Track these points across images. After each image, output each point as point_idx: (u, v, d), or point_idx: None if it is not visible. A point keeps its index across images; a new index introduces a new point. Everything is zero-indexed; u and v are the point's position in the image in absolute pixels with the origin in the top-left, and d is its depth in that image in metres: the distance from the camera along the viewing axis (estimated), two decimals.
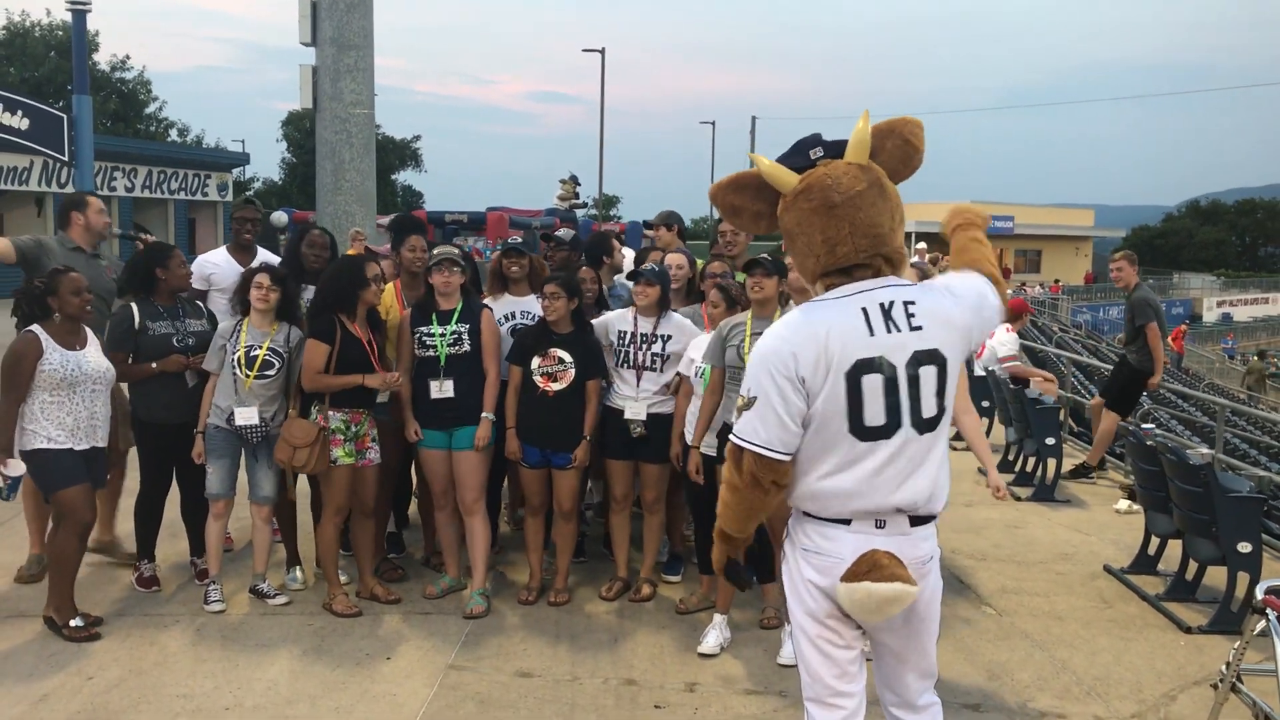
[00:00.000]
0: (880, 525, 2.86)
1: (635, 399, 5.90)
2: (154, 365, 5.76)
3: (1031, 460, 9.16)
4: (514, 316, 6.27)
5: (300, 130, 61.24)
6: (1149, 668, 5.27)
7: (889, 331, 2.78)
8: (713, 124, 54.39)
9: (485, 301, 6.17)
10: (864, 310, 2.80)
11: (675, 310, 6.11)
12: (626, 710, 4.69)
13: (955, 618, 5.78)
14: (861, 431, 2.80)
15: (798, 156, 2.92)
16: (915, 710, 3.08)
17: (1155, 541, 6.70)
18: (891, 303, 2.81)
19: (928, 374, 2.82)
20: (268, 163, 72.05)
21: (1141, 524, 7.48)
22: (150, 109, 52.01)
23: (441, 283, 5.78)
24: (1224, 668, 3.95)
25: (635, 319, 5.95)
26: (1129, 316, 9.10)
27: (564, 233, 6.88)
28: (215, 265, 6.89)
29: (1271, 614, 3.62)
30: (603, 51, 40.53)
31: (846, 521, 2.88)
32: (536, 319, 6.11)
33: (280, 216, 40.04)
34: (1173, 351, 32.52)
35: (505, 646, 5.36)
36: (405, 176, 63.77)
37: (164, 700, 4.68)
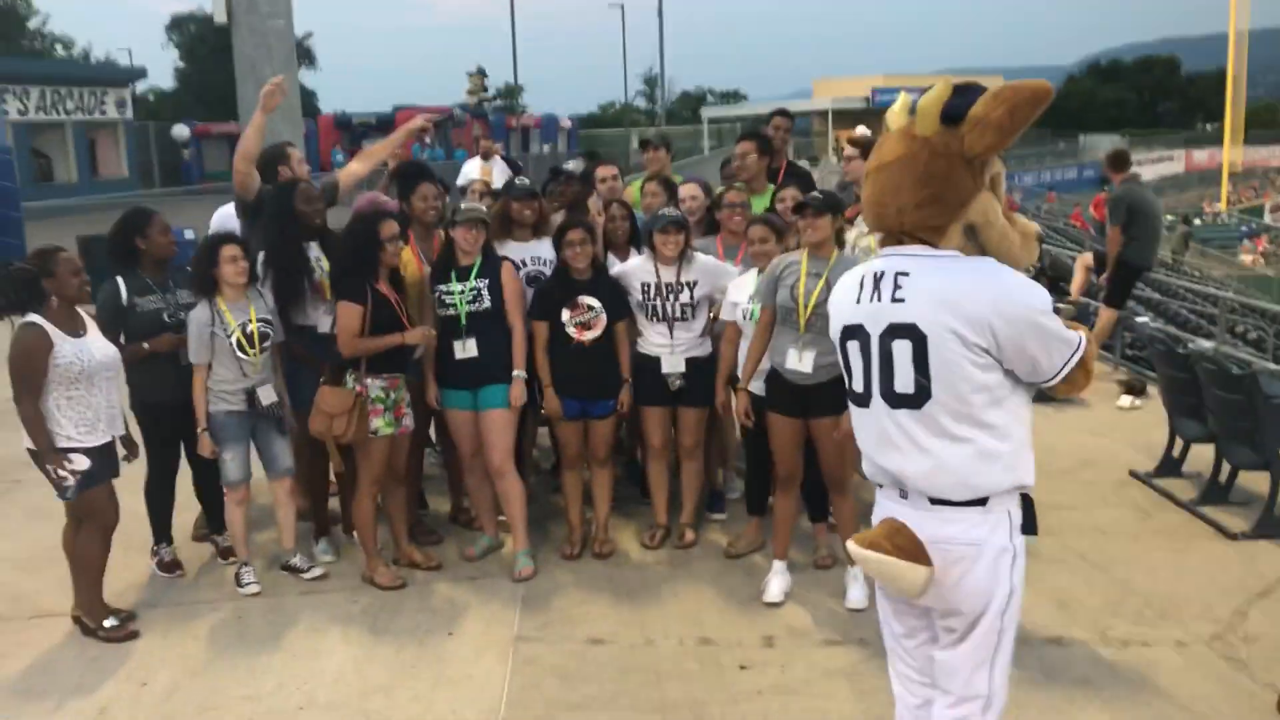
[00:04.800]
0: (903, 496, 2.83)
1: (671, 351, 5.68)
2: (145, 345, 5.39)
3: None
4: (525, 265, 5.96)
5: (188, 36, 58.48)
6: (1210, 583, 5.32)
7: (870, 300, 2.79)
8: (621, 6, 53.19)
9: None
10: (862, 277, 2.83)
11: (699, 252, 5.84)
12: (713, 674, 4.58)
13: None
14: (852, 395, 2.92)
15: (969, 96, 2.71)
16: None
17: (1178, 444, 6.75)
18: (883, 273, 2.77)
19: (901, 348, 2.72)
20: (158, 72, 68.74)
21: (1148, 420, 7.59)
22: (32, 23, 49.09)
23: (464, 239, 5.47)
24: None
25: (656, 268, 5.69)
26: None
27: (574, 165, 6.52)
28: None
29: None
30: None
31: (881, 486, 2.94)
32: (550, 264, 5.83)
33: (181, 130, 38.45)
34: (1094, 220, 32.97)
35: (566, 610, 5.20)
36: (299, 76, 61.55)
37: (230, 704, 4.45)
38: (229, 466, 5.40)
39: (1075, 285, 10.39)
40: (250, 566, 5.52)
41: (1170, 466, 6.74)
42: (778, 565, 5.34)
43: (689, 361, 5.68)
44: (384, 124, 36.08)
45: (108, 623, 5.03)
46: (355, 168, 6.33)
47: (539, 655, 4.78)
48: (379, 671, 4.68)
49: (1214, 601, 5.10)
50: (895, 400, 2.76)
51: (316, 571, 5.62)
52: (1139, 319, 8.69)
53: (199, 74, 55.87)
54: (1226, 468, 6.28)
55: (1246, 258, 38.15)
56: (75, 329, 4.89)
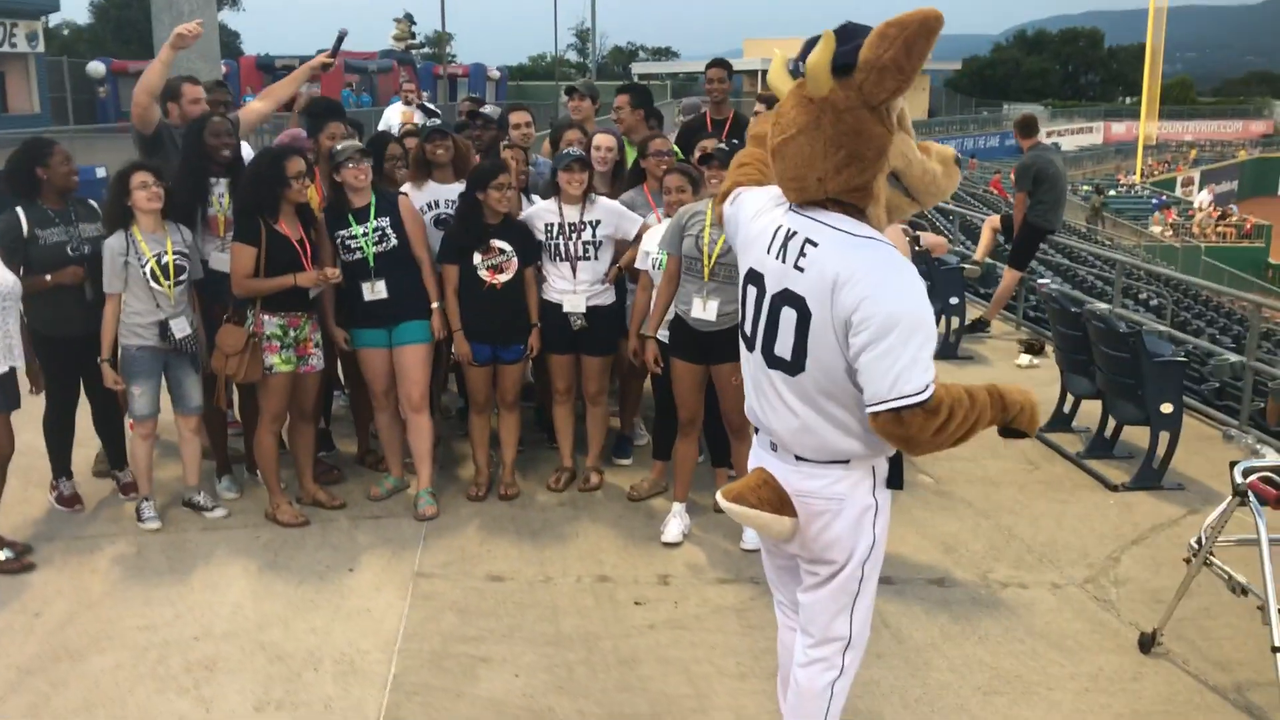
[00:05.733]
0: (774, 448, 2.93)
1: (574, 291, 5.74)
2: (48, 278, 5.30)
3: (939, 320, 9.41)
4: (437, 205, 5.97)
5: None
6: (1089, 530, 5.56)
7: (776, 258, 2.78)
8: None
9: (405, 189, 5.87)
10: (778, 228, 2.82)
11: (603, 196, 5.89)
12: (608, 609, 4.70)
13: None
14: (742, 334, 2.98)
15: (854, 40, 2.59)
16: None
17: (1069, 400, 7.01)
18: (795, 233, 2.74)
19: (788, 316, 2.75)
20: (72, 6, 66.48)
21: (1044, 378, 7.84)
22: None
23: (353, 177, 5.44)
24: (1195, 543, 4.17)
25: (560, 208, 5.73)
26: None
27: (491, 110, 6.51)
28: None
29: (1253, 496, 3.81)
30: None
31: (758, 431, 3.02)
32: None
33: (97, 67, 37.20)
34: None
35: (467, 549, 5.28)
36: (221, 17, 60.06)
37: (125, 634, 4.46)
38: (138, 401, 5.35)
39: (981, 247, 10.64)
40: (151, 502, 5.51)
41: (1061, 421, 6.99)
42: (677, 507, 5.46)
43: (591, 307, 5.74)
44: None
45: (2, 555, 4.99)
46: (258, 105, 6.26)
47: (438, 591, 4.86)
48: (277, 605, 4.72)
49: (1090, 548, 5.35)
50: (772, 360, 2.82)
51: (220, 512, 5.61)
52: (1040, 280, 8.94)
53: (116, 9, 54.22)
54: (1112, 423, 6.54)
55: (1156, 229, 39.23)
56: None
